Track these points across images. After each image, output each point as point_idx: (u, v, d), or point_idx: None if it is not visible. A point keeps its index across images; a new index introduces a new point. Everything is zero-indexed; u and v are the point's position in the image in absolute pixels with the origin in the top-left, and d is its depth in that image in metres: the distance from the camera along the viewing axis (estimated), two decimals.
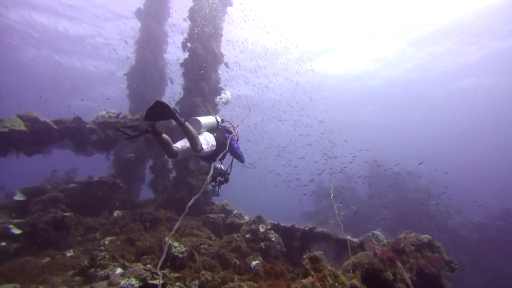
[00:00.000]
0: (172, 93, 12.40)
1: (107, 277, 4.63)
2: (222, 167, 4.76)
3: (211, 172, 3.71)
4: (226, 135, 4.85)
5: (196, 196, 3.51)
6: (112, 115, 8.31)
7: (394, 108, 37.50)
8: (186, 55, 10.44)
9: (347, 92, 33.16)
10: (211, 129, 4.71)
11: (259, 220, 6.74)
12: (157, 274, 4.64)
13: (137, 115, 9.21)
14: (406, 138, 49.74)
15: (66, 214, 6.63)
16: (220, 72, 10.99)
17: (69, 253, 6.08)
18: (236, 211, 7.95)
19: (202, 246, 5.89)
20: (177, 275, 4.85)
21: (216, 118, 4.86)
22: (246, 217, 7.52)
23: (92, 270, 5.06)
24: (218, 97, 6.78)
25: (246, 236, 6.38)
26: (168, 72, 15.55)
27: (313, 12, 21.99)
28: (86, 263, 5.15)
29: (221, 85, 10.95)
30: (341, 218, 18.62)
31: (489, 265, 14.92)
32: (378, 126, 44.40)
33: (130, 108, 14.58)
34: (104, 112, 8.31)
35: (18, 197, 7.31)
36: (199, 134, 4.27)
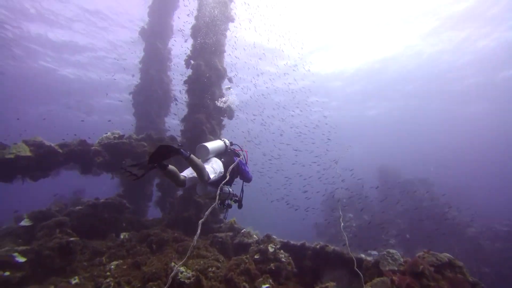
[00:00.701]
0: (177, 110, 12.41)
1: None
2: (231, 190, 4.54)
3: (217, 196, 3.66)
4: (235, 158, 4.72)
5: (203, 220, 3.35)
6: (116, 135, 8.28)
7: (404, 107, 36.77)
8: (190, 72, 10.49)
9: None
10: (220, 154, 4.58)
11: (268, 239, 6.50)
12: None
13: (142, 135, 9.19)
14: (416, 142, 48.85)
15: (72, 239, 6.52)
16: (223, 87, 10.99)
17: (74, 280, 5.92)
18: (244, 229, 7.72)
19: (210, 269, 5.67)
20: None
21: (224, 142, 4.74)
22: (254, 235, 7.29)
23: None
24: (221, 100, 6.58)
25: (255, 257, 6.15)
26: (173, 89, 15.68)
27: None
28: None
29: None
30: (354, 229, 18.18)
31: None
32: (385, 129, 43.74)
33: (137, 126, 14.67)
34: (109, 134, 8.32)
35: (25, 222, 7.27)
36: (206, 160, 4.23)
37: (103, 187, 11.35)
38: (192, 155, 3.65)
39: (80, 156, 7.52)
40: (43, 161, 6.87)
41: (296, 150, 23.90)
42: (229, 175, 4.21)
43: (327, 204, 23.95)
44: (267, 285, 5.13)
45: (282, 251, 6.31)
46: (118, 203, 8.84)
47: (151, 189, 12.42)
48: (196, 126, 9.58)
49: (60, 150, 7.12)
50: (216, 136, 10.32)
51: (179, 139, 10.20)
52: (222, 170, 4.26)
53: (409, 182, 22.47)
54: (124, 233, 7.93)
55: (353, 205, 21.88)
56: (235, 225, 8.44)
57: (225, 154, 4.66)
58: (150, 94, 14.75)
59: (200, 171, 3.73)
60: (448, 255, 4.50)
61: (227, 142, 4.85)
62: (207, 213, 3.35)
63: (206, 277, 5.51)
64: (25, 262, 6.06)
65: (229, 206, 4.57)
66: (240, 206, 4.65)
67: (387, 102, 34.94)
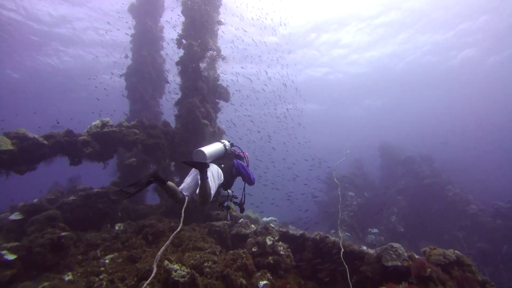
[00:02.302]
0: (169, 95, 11.89)
1: None
2: (230, 192, 4.30)
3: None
4: (235, 161, 4.42)
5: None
6: (106, 123, 7.86)
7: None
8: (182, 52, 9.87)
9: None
10: (219, 157, 4.24)
11: (266, 230, 6.27)
12: None
13: (134, 121, 8.76)
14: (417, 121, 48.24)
15: (63, 234, 6.31)
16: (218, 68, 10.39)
17: (68, 277, 5.76)
18: (242, 220, 7.50)
19: (206, 264, 5.48)
20: None
21: (224, 145, 4.39)
22: (252, 225, 7.07)
23: None
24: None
25: (253, 249, 5.95)
26: (167, 70, 15.01)
27: None
28: None
29: (220, 82, 10.35)
30: (355, 208, 18.15)
31: None
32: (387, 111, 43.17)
33: (130, 110, 14.20)
34: (98, 122, 7.89)
35: (16, 216, 7.03)
36: None
37: (99, 172, 11.02)
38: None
39: (68, 148, 7.14)
40: (28, 154, 6.51)
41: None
42: (228, 179, 4.05)
43: (328, 183, 23.86)
44: (265, 281, 4.94)
45: (281, 242, 6.11)
46: (113, 192, 8.60)
47: None
48: (190, 111, 9.13)
49: (46, 142, 6.74)
50: (212, 120, 9.89)
51: (173, 124, 9.78)
52: (222, 178, 3.97)
53: (411, 159, 22.16)
54: (119, 224, 7.74)
55: (353, 183, 21.77)
56: (233, 213, 8.22)
57: (224, 158, 4.33)
58: (143, 76, 14.14)
59: (208, 196, 3.49)
60: (456, 252, 4.24)
61: (227, 144, 4.51)
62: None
63: (202, 273, 5.32)
64: (15, 259, 5.87)
65: (228, 208, 4.30)
66: (242, 210, 4.41)
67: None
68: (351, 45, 26.99)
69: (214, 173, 3.80)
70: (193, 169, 3.92)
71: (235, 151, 4.76)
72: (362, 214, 18.60)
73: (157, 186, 10.98)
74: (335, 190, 22.32)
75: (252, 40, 20.05)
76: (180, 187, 3.76)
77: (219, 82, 10.25)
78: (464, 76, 31.57)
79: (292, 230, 6.92)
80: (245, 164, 4.64)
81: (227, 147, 4.43)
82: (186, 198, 3.67)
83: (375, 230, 16.71)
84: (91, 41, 23.18)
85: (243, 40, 19.20)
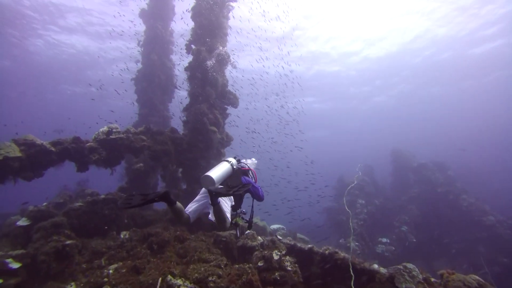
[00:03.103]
0: (178, 100, 11.83)
1: None
2: (238, 210, 4.26)
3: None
4: (243, 179, 4.28)
5: None
6: (114, 130, 7.82)
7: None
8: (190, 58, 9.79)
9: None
10: (227, 178, 4.11)
11: (273, 244, 6.08)
12: None
13: (141, 127, 8.71)
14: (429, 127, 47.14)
15: (68, 242, 6.25)
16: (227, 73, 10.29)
17: (71, 287, 5.69)
18: (248, 231, 7.31)
19: (211, 279, 5.32)
20: None
21: (231, 164, 4.22)
22: (259, 237, 6.87)
23: None
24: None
25: (259, 264, 5.76)
26: (177, 74, 15.03)
27: None
28: None
29: (229, 88, 10.23)
30: (364, 216, 17.73)
31: None
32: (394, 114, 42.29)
33: (139, 114, 14.24)
34: (105, 128, 7.85)
35: (22, 222, 7.04)
36: None
37: (108, 176, 11.02)
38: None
39: (75, 154, 7.12)
40: (35, 160, 6.50)
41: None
42: (237, 199, 4.11)
43: (338, 190, 23.46)
44: None
45: (288, 257, 5.90)
46: (119, 199, 8.55)
47: (156, 180, 12.14)
48: (197, 117, 9.02)
49: (53, 149, 6.72)
50: (220, 127, 9.77)
51: (181, 132, 9.70)
52: (232, 201, 4.03)
53: (423, 166, 21.54)
54: (124, 232, 7.66)
55: (363, 190, 21.30)
56: (239, 222, 8.02)
57: (231, 177, 4.20)
58: (152, 80, 14.18)
59: (223, 220, 3.67)
60: (476, 278, 3.95)
61: (234, 162, 4.35)
62: None
63: None
64: (20, 267, 5.85)
65: (237, 224, 4.21)
66: (250, 227, 4.36)
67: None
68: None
69: (225, 202, 3.84)
70: (203, 189, 3.99)
71: (242, 167, 4.58)
72: (372, 223, 18.15)
73: (165, 188, 10.97)
74: (344, 196, 21.96)
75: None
76: (187, 208, 3.81)
77: (227, 88, 10.13)
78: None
79: (300, 243, 6.70)
80: (252, 181, 4.48)
81: (234, 166, 4.27)
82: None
83: (386, 240, 16.27)
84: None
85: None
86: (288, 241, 6.65)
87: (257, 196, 4.37)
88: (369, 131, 49.40)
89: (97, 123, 14.15)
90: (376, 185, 23.23)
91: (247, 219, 4.32)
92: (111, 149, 7.75)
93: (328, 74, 30.88)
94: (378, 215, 19.47)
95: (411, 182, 21.63)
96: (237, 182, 4.13)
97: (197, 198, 4.05)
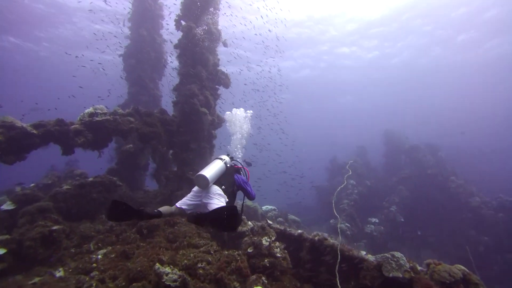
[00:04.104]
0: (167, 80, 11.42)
1: None
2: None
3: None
4: (235, 177, 4.32)
5: None
6: (99, 111, 7.51)
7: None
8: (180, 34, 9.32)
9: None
10: (220, 176, 4.14)
11: (263, 230, 6.07)
12: None
13: (128, 109, 8.40)
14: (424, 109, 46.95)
15: (55, 228, 6.15)
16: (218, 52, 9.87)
17: (59, 273, 5.64)
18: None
19: (200, 265, 5.30)
20: None
21: (225, 162, 4.26)
22: (249, 223, 6.85)
23: None
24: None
25: (249, 250, 5.76)
26: (167, 51, 14.42)
27: None
28: None
29: (221, 67, 9.86)
30: (355, 197, 17.99)
31: None
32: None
33: (128, 92, 13.79)
34: (91, 109, 7.53)
35: (7, 206, 6.88)
36: (208, 191, 3.86)
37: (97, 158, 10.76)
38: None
39: (59, 137, 6.85)
40: (16, 143, 6.23)
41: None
42: (229, 196, 4.01)
43: (331, 171, 23.68)
44: (259, 287, 4.76)
45: (277, 243, 5.91)
46: (108, 181, 8.40)
47: (146, 161, 11.95)
48: (188, 99, 8.73)
49: (35, 131, 6.43)
50: (211, 108, 9.51)
51: (171, 113, 9.41)
52: (225, 197, 3.90)
53: (415, 148, 21.71)
54: None
55: (356, 171, 21.49)
56: None
57: (225, 175, 4.20)
58: (142, 57, 13.62)
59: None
60: (462, 268, 3.98)
61: (227, 160, 4.40)
62: None
63: (195, 274, 5.15)
64: (6, 253, 5.75)
65: None
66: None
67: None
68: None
69: (221, 198, 3.81)
70: (196, 187, 3.96)
71: (235, 165, 4.62)
72: (363, 203, 18.45)
73: (155, 171, 10.85)
74: (337, 177, 22.14)
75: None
76: (179, 203, 3.85)
77: (219, 68, 9.76)
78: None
79: (291, 228, 6.71)
80: (245, 179, 4.52)
81: (227, 164, 4.31)
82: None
83: (375, 220, 16.62)
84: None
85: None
86: (278, 226, 6.65)
87: (248, 195, 4.41)
88: (364, 110, 49.18)
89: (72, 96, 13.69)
90: (368, 166, 23.46)
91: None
92: (97, 132, 7.48)
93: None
94: (369, 195, 19.78)
95: (402, 163, 21.88)
96: (231, 181, 4.17)
97: (188, 196, 3.99)
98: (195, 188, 4.03)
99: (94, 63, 20.74)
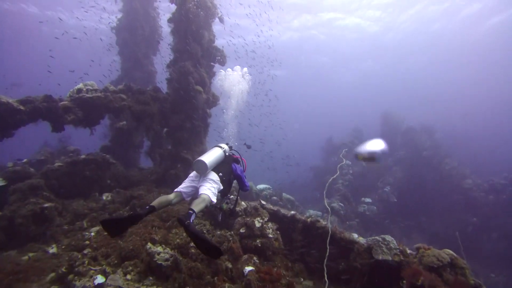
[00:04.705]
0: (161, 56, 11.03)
1: None
2: (229, 196, 4.65)
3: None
4: (233, 166, 4.47)
5: None
6: (90, 87, 7.26)
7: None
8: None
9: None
10: (219, 163, 4.28)
11: (256, 211, 6.08)
12: None
13: (120, 85, 8.15)
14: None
15: (46, 205, 6.10)
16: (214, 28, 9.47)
17: (52, 250, 5.67)
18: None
19: (192, 245, 5.33)
20: None
21: (224, 150, 4.41)
22: (243, 203, 6.85)
23: (70, 277, 4.61)
24: None
25: (241, 230, 5.79)
26: (162, 26, 13.86)
27: None
28: (64, 269, 4.68)
29: (216, 44, 9.50)
30: (350, 177, 18.15)
31: (501, 226, 14.46)
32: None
33: (122, 68, 13.39)
34: (81, 85, 7.27)
35: None
36: (205, 178, 3.98)
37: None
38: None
39: (48, 114, 6.64)
40: (2, 120, 6.03)
41: None
42: (225, 186, 4.17)
43: (326, 151, 23.71)
44: (250, 268, 4.82)
45: (270, 224, 5.94)
46: (101, 159, 8.30)
47: (141, 139, 11.82)
48: (182, 76, 8.46)
49: (22, 107, 6.22)
50: (205, 86, 9.26)
51: (164, 90, 9.16)
52: (220, 186, 4.06)
53: (411, 129, 21.70)
54: (106, 194, 7.54)
55: (352, 152, 21.55)
56: (224, 207, 7.99)
57: (223, 163, 4.35)
58: (135, 31, 13.08)
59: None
60: (451, 252, 4.03)
61: (226, 149, 4.53)
62: None
63: (187, 253, 5.19)
64: None
65: (221, 209, 4.47)
66: (232, 215, 4.84)
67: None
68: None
69: (213, 180, 3.94)
70: (193, 172, 4.11)
71: (233, 154, 4.73)
72: (357, 183, 18.65)
73: (150, 149, 10.75)
74: (332, 156, 22.23)
75: None
76: (178, 188, 4.01)
77: (214, 44, 9.41)
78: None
79: (284, 209, 6.74)
80: (242, 169, 4.66)
81: (226, 153, 4.45)
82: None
83: (369, 200, 16.87)
84: None
85: None
86: (271, 207, 6.67)
87: (243, 186, 4.54)
88: (363, 90, 48.65)
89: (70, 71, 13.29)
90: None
91: (231, 207, 4.62)
92: (88, 109, 7.27)
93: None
94: (364, 176, 19.97)
95: (398, 145, 21.92)
96: (228, 170, 4.31)
97: (186, 181, 4.11)
98: (193, 173, 4.14)
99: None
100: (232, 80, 7.90)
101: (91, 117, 7.47)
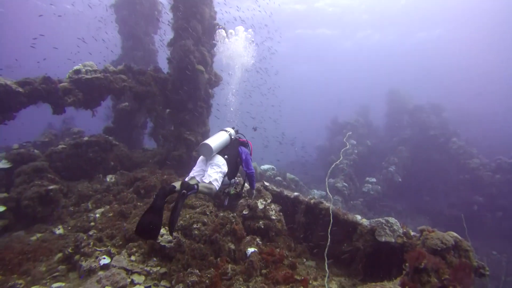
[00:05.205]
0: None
1: (89, 272, 4.31)
2: (232, 180, 4.44)
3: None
4: (239, 149, 4.48)
5: None
6: (89, 68, 7.11)
7: None
8: None
9: None
10: (224, 147, 4.29)
11: (259, 193, 6.05)
12: (139, 274, 4.26)
13: (120, 66, 7.96)
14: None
15: (51, 187, 6.15)
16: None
17: (58, 230, 5.77)
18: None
19: (195, 226, 5.37)
20: (163, 270, 4.42)
21: (229, 134, 4.40)
22: (246, 184, 6.82)
23: (77, 257, 4.71)
24: None
25: (244, 212, 5.80)
26: (161, 2, 13.38)
27: None
28: (70, 250, 4.76)
29: (217, 21, 9.16)
30: (354, 157, 18.04)
31: (506, 205, 14.40)
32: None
33: (122, 47, 13.12)
34: (80, 66, 7.12)
35: (3, 164, 6.84)
36: (211, 160, 4.05)
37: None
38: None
39: (47, 96, 6.55)
40: (1, 102, 5.97)
41: None
42: (232, 168, 4.18)
43: (332, 130, 23.47)
44: (253, 249, 4.85)
45: (273, 206, 5.92)
46: (104, 141, 8.30)
47: (144, 120, 11.74)
48: (183, 55, 8.22)
49: (21, 89, 6.12)
50: (207, 65, 9.03)
51: (165, 71, 8.95)
52: (226, 169, 4.05)
53: (419, 108, 21.22)
54: (110, 176, 7.57)
55: (357, 131, 21.31)
56: (231, 192, 7.95)
57: (229, 146, 4.37)
58: (134, 7, 12.69)
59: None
60: (455, 235, 3.97)
61: (232, 132, 4.51)
62: None
63: (190, 235, 5.24)
64: (6, 210, 5.83)
65: (228, 194, 4.48)
66: (239, 198, 5.00)
67: None
68: None
69: (218, 163, 3.98)
70: (201, 157, 4.18)
71: (239, 138, 4.71)
72: (362, 163, 18.56)
73: (153, 130, 10.70)
74: (337, 136, 22.01)
75: None
76: (191, 173, 4.07)
77: (215, 21, 9.07)
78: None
79: (287, 190, 6.71)
80: (248, 152, 4.64)
81: (232, 136, 4.45)
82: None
83: (373, 179, 16.83)
84: None
85: None
86: (275, 188, 6.64)
87: (248, 170, 4.51)
88: (370, 69, 47.35)
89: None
90: (370, 126, 23.19)
91: (238, 191, 4.63)
92: (88, 90, 7.16)
93: None
94: (369, 155, 19.85)
95: (404, 124, 21.55)
96: (234, 153, 4.34)
97: (196, 166, 4.17)
98: (200, 158, 4.20)
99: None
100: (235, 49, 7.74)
101: (92, 99, 7.37)
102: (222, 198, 4.68)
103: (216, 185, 3.77)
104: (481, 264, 3.89)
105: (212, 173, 3.84)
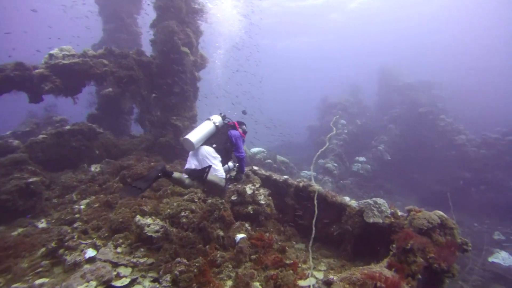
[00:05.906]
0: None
1: (74, 265, 4.22)
2: (231, 165, 4.59)
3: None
4: (229, 133, 4.49)
5: None
6: (67, 53, 6.72)
7: None
8: None
9: None
10: (211, 136, 4.30)
11: (247, 178, 5.98)
12: (125, 266, 4.19)
13: (101, 49, 7.56)
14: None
15: (32, 180, 5.93)
16: None
17: (41, 224, 5.62)
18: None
19: (183, 214, 5.30)
20: (151, 261, 4.36)
21: (213, 122, 4.32)
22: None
23: (61, 251, 4.60)
24: None
25: (232, 198, 5.74)
26: None
27: None
28: (53, 244, 4.64)
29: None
30: (344, 137, 18.09)
31: (489, 179, 14.76)
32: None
33: (104, 29, 12.51)
34: (56, 50, 6.72)
35: None
36: (198, 152, 4.12)
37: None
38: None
39: (22, 83, 6.20)
40: None
41: None
42: (223, 154, 4.25)
43: (322, 110, 23.37)
44: (242, 235, 4.82)
45: (262, 190, 5.87)
46: (87, 129, 8.02)
47: (130, 105, 11.38)
48: (167, 37, 7.85)
49: None
50: (192, 47, 8.69)
51: (149, 53, 8.57)
52: (218, 155, 4.17)
53: (409, 85, 21.21)
54: (95, 166, 7.37)
55: (347, 110, 21.29)
56: (232, 175, 7.85)
57: (216, 134, 4.36)
58: None
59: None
60: (441, 213, 4.00)
61: (218, 120, 4.41)
62: None
63: (178, 223, 5.18)
64: None
65: (230, 178, 4.53)
66: (238, 180, 4.84)
67: None
68: None
69: (215, 160, 4.06)
70: (190, 152, 4.22)
71: (229, 122, 4.65)
72: (352, 142, 18.66)
73: (139, 116, 10.45)
74: (327, 116, 21.92)
75: None
76: (185, 167, 4.10)
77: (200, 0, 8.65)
78: None
79: (276, 174, 6.65)
80: (239, 134, 4.59)
81: (217, 124, 4.36)
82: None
83: (363, 159, 16.96)
84: None
85: None
86: (263, 172, 6.57)
87: (238, 153, 4.57)
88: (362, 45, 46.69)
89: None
90: (360, 105, 23.15)
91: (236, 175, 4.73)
92: (66, 76, 6.79)
93: None
94: (360, 135, 19.92)
95: (394, 102, 21.58)
96: (223, 139, 4.36)
97: (188, 159, 4.21)
98: (190, 153, 4.24)
99: None
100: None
101: (71, 85, 7.03)
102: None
103: (221, 174, 4.02)
104: (464, 240, 3.95)
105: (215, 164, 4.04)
